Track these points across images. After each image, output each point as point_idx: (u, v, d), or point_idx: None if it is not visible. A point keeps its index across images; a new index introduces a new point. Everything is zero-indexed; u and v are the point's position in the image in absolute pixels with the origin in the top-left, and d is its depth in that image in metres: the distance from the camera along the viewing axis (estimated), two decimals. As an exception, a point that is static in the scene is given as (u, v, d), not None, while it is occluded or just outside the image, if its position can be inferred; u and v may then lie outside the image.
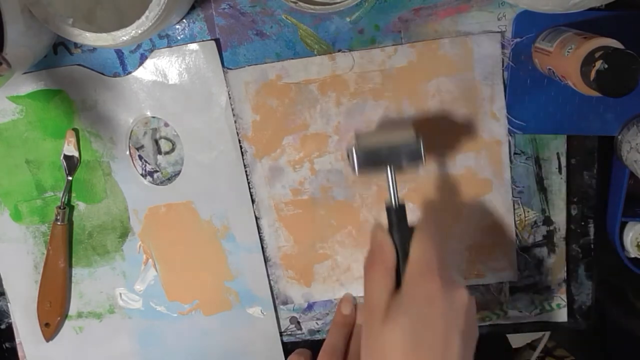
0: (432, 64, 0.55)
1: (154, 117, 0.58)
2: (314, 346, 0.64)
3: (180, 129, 0.57)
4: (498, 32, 0.54)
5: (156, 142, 0.59)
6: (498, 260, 0.60)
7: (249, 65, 0.56)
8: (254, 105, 0.57)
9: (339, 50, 0.55)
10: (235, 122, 0.57)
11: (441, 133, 0.56)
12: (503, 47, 0.54)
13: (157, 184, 0.59)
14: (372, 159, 0.48)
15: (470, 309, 0.42)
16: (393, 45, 0.54)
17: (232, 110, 0.57)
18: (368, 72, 0.55)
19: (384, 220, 0.47)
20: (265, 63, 0.55)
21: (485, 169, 0.57)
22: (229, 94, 0.56)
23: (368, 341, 0.42)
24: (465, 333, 0.41)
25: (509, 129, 0.56)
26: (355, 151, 0.47)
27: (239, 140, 0.58)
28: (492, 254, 0.60)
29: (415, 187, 0.58)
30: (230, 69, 0.56)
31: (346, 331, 0.55)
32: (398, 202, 0.47)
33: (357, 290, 0.61)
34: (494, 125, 0.56)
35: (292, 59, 0.55)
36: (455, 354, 0.40)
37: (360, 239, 0.60)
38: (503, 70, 0.54)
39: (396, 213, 0.46)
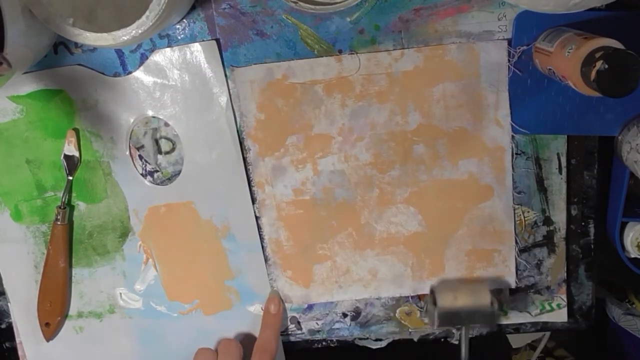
0: (438, 69, 0.55)
1: (154, 117, 0.58)
2: (314, 346, 0.64)
3: (180, 128, 0.57)
4: (505, 39, 0.54)
5: (156, 141, 0.59)
6: (497, 266, 0.60)
7: (255, 64, 0.55)
8: (259, 104, 0.57)
9: (339, 50, 0.55)
10: (239, 120, 0.57)
11: (445, 138, 0.56)
12: (509, 54, 0.54)
13: (157, 184, 0.59)
14: (451, 319, 0.56)
15: None
16: (394, 46, 0.54)
17: (237, 108, 0.57)
18: (374, 74, 0.55)
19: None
20: (270, 62, 0.55)
21: (487, 176, 0.57)
22: (229, 93, 0.56)
23: None
24: None
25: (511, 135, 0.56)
26: (437, 312, 0.56)
27: (243, 139, 0.58)
28: (491, 260, 0.60)
29: (417, 192, 0.58)
30: (237, 67, 0.56)
31: (275, 329, 0.59)
32: None
33: (356, 293, 0.61)
34: (498, 132, 0.56)
35: (298, 59, 0.55)
36: None
37: (360, 241, 0.60)
38: (509, 77, 0.54)
39: None
